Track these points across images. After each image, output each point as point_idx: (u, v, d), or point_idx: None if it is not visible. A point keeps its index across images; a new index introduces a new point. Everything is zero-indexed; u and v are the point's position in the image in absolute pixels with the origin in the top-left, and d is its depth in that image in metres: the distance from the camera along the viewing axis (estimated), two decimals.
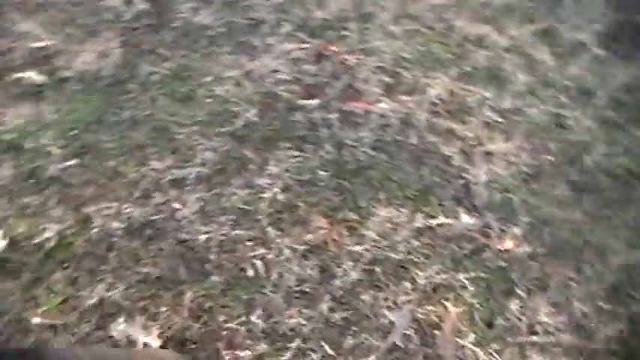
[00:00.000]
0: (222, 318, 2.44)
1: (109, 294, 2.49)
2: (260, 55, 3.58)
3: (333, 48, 3.65)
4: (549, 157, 3.20)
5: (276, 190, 2.89)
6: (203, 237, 2.69)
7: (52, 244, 2.63)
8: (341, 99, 3.36)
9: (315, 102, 3.32)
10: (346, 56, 3.61)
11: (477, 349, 2.45)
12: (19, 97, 3.27)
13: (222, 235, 2.71)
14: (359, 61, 3.60)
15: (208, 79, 3.41)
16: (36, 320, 2.40)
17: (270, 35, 3.72)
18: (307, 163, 3.03)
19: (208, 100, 3.30)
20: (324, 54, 3.61)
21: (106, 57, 3.51)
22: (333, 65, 3.56)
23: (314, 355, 2.38)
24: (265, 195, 2.87)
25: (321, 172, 2.99)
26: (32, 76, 3.38)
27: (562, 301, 2.61)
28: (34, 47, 3.56)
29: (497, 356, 2.43)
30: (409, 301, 2.56)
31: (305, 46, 3.66)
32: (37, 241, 2.64)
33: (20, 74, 3.38)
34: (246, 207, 2.82)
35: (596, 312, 2.60)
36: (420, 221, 2.84)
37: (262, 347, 2.38)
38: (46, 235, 2.66)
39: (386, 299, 2.56)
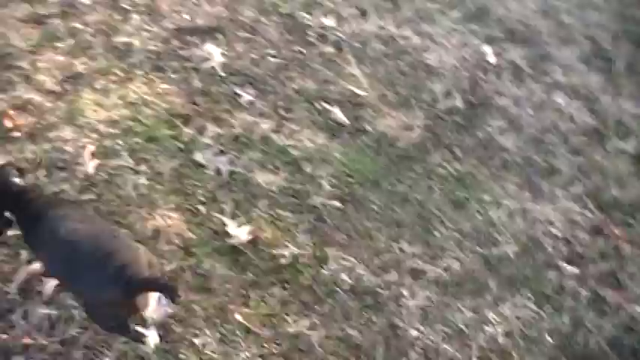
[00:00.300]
0: None
1: (308, 333, 2.57)
2: (543, 200, 3.55)
3: (614, 230, 3.53)
4: None
5: (499, 329, 2.85)
6: (414, 333, 2.70)
7: (284, 262, 2.79)
8: (600, 281, 3.24)
9: (573, 270, 3.23)
10: (623, 244, 3.47)
11: None
12: (318, 125, 3.51)
13: (431, 341, 2.71)
14: (633, 255, 3.45)
15: (487, 197, 3.44)
16: (238, 317, 2.54)
17: (561, 188, 3.67)
18: (540, 322, 2.95)
19: (478, 217, 3.33)
20: (602, 230, 3.51)
21: (407, 130, 3.66)
22: (606, 245, 3.45)
23: None
24: (487, 328, 2.84)
25: (548, 337, 2.90)
26: (338, 113, 3.61)
27: None
28: (351, 90, 3.80)
29: None
30: None
31: (588, 214, 3.57)
32: (273, 251, 2.81)
33: (329, 107, 3.62)
34: (464, 329, 2.80)
35: None
36: None
37: None
38: (284, 252, 2.82)
39: None
